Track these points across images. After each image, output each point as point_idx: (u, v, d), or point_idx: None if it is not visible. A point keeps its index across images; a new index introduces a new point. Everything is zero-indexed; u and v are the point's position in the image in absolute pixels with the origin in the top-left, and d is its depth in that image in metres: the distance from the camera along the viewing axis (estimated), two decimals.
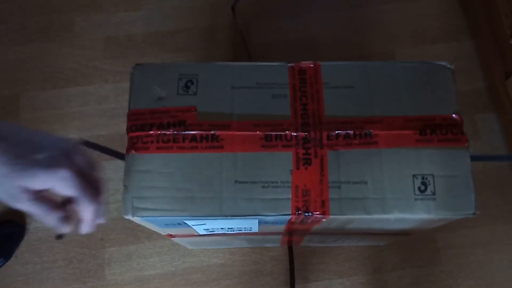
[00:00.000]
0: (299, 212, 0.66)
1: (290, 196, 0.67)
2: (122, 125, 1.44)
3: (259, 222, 0.74)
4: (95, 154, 0.64)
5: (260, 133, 0.69)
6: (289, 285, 1.27)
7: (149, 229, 0.82)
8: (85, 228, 0.56)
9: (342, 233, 0.94)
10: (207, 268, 1.31)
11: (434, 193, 0.66)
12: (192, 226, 0.76)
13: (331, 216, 0.66)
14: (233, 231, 0.85)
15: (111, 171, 1.36)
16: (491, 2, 1.35)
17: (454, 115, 0.70)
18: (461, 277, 1.30)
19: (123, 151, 0.70)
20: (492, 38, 1.38)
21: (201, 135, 0.69)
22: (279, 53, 1.52)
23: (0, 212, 1.36)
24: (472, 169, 0.68)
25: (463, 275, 1.30)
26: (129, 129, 0.70)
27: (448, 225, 0.79)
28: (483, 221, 1.32)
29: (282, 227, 0.80)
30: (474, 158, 0.69)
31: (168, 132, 0.69)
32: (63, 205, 0.54)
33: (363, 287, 1.29)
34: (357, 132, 0.69)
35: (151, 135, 0.69)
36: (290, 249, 1.29)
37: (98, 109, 1.45)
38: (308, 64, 0.74)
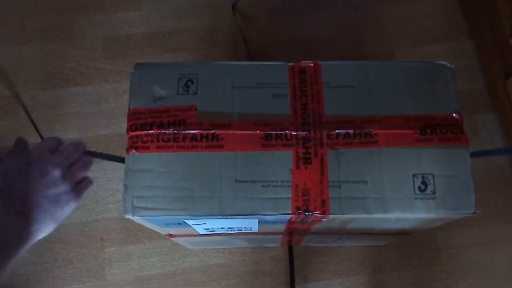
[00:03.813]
0: (299, 211, 0.66)
1: (290, 195, 0.67)
2: (122, 125, 1.45)
3: (259, 222, 0.74)
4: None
5: (260, 132, 0.69)
6: (289, 285, 1.27)
7: (149, 229, 0.82)
8: None
9: (342, 233, 0.94)
10: (207, 268, 1.30)
11: (434, 193, 0.67)
12: (192, 225, 0.76)
13: (331, 216, 0.66)
14: (233, 230, 0.85)
15: (111, 171, 1.37)
16: (491, 2, 1.35)
17: (454, 115, 0.71)
18: (461, 277, 1.30)
19: (123, 150, 0.70)
20: (492, 38, 1.38)
21: (201, 135, 0.69)
22: (279, 53, 1.52)
23: None
24: (472, 168, 0.68)
25: (463, 274, 1.30)
26: (129, 129, 0.70)
27: (448, 225, 0.79)
28: (483, 221, 1.32)
29: (282, 227, 0.80)
30: (474, 154, 0.69)
31: (168, 132, 0.69)
32: None
33: (363, 287, 1.29)
34: (357, 132, 0.69)
35: (151, 135, 0.69)
36: (290, 249, 1.29)
37: (98, 109, 1.45)
38: (308, 63, 0.74)
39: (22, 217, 0.59)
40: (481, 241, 1.33)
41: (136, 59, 1.50)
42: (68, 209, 0.65)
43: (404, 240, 1.29)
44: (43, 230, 0.61)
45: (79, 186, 0.67)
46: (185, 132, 0.69)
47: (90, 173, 0.72)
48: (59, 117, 1.43)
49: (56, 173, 0.62)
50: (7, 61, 1.49)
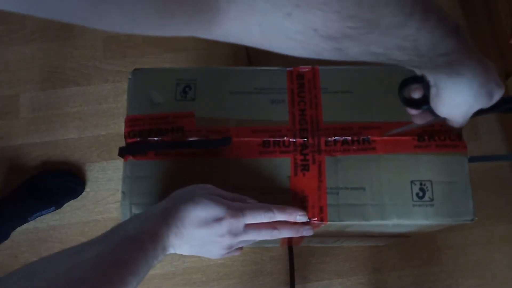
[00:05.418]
0: None
1: (288, 202, 0.67)
2: (122, 125, 1.42)
3: None
4: None
5: (258, 139, 0.69)
6: (289, 285, 1.27)
7: None
8: None
9: (341, 235, 0.94)
10: (207, 268, 1.31)
11: (432, 199, 0.66)
12: None
13: (329, 222, 0.66)
14: None
15: (111, 171, 1.37)
16: (491, 2, 1.35)
17: None
18: (461, 277, 1.30)
19: None
20: (492, 38, 1.38)
21: (199, 142, 0.69)
22: (278, 55, 1.52)
23: (69, 162, 1.40)
24: (469, 172, 0.68)
25: (463, 274, 1.30)
26: (127, 135, 0.69)
27: (448, 226, 0.79)
28: (483, 221, 1.32)
29: None
30: (472, 159, 0.69)
31: (167, 139, 0.69)
32: None
33: (363, 287, 1.30)
34: (355, 138, 0.69)
35: (149, 141, 0.69)
36: (290, 249, 1.29)
37: (98, 109, 1.45)
38: (306, 68, 0.74)
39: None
40: (481, 241, 1.33)
41: (136, 59, 1.50)
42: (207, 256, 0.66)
43: (404, 240, 1.29)
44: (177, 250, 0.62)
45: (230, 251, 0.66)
46: (184, 139, 0.69)
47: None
48: (59, 117, 1.43)
49: (227, 242, 0.62)
50: (7, 61, 1.49)
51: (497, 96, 0.52)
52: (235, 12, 0.34)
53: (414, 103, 0.59)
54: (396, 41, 0.38)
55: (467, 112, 0.54)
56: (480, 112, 0.55)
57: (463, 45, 0.44)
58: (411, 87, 0.58)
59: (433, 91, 0.53)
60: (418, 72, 0.51)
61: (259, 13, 0.34)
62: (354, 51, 0.38)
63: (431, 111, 0.56)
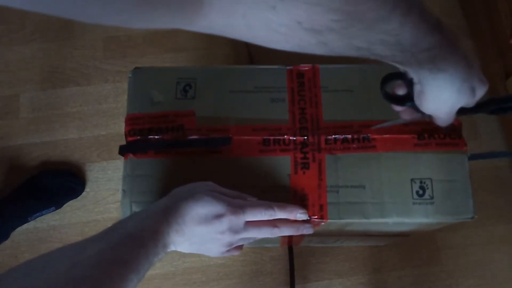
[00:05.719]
0: None
1: (288, 200, 0.67)
2: (122, 125, 1.42)
3: None
4: None
5: (258, 137, 0.69)
6: (289, 285, 1.27)
7: None
8: None
9: (341, 234, 0.94)
10: (207, 268, 1.31)
11: (432, 197, 0.66)
12: None
13: (329, 220, 0.66)
14: None
15: (111, 171, 1.37)
16: (491, 1, 1.35)
17: None
18: (461, 277, 1.30)
19: None
20: (492, 38, 1.38)
21: (200, 140, 0.69)
22: (279, 53, 1.52)
23: (69, 162, 1.39)
24: (470, 173, 0.68)
25: (463, 274, 1.30)
26: (127, 134, 0.69)
27: (448, 225, 0.79)
28: (483, 221, 1.32)
29: None
30: (472, 157, 0.69)
31: (167, 137, 0.69)
32: None
33: (363, 287, 1.30)
34: (355, 136, 0.69)
35: (149, 140, 0.69)
36: (290, 249, 1.29)
37: (98, 109, 1.45)
38: (306, 67, 0.74)
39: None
40: (481, 241, 1.33)
41: (136, 59, 1.50)
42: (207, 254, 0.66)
43: (404, 240, 1.29)
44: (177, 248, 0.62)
45: (229, 249, 0.66)
46: (184, 138, 0.69)
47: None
48: (59, 117, 1.43)
49: (227, 239, 0.62)
50: (7, 61, 1.49)
51: (480, 92, 0.52)
52: (219, 4, 0.34)
53: (398, 100, 0.59)
54: (379, 35, 0.39)
55: (451, 109, 0.54)
56: (466, 112, 0.56)
57: (445, 41, 0.44)
58: (395, 82, 0.58)
59: (417, 88, 0.53)
60: (402, 69, 0.51)
61: (244, 5, 0.34)
62: (337, 45, 0.39)
63: (416, 108, 0.56)
